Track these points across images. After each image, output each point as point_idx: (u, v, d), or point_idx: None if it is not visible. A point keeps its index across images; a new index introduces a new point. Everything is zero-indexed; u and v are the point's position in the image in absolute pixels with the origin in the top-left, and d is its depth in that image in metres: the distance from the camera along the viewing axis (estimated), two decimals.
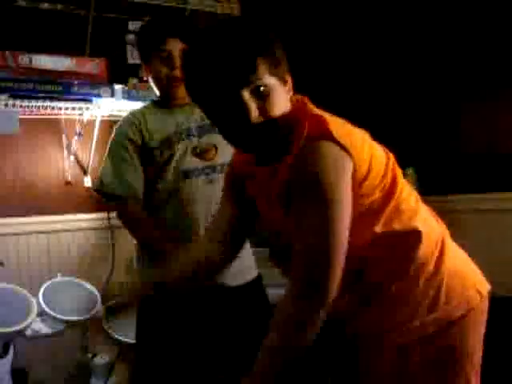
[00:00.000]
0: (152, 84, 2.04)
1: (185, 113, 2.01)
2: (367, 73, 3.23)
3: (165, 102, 2.04)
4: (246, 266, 2.04)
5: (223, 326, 1.96)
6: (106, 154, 2.04)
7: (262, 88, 1.22)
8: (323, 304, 1.20)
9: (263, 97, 1.23)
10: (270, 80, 1.24)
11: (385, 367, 1.32)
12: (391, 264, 1.30)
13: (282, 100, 1.26)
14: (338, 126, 1.24)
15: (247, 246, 2.05)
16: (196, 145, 1.98)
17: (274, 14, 3.22)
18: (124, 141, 1.98)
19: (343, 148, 1.20)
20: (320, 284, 1.20)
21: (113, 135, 2.04)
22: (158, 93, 2.05)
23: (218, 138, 1.89)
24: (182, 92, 1.93)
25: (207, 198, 1.95)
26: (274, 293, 1.89)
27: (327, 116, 1.26)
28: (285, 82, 1.29)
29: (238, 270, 1.94)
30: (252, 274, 2.07)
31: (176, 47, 1.95)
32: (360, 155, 1.24)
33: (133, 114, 2.06)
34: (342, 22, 3.29)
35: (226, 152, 1.95)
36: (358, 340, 1.37)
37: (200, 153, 1.98)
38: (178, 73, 1.93)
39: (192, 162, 1.97)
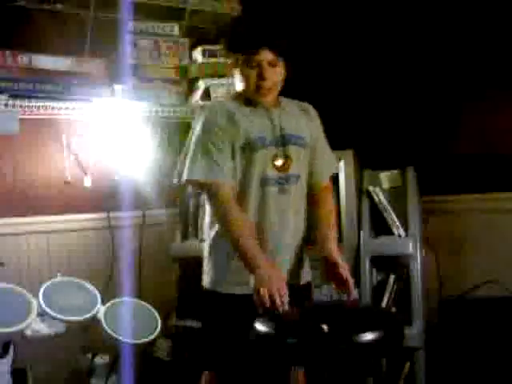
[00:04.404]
0: (238, 81, 2.00)
1: (267, 120, 1.99)
2: (367, 73, 3.23)
3: (250, 101, 2.01)
4: (305, 269, 2.11)
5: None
6: (191, 143, 1.97)
7: None
8: None
9: None
10: None
11: None
12: None
13: None
14: None
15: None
16: (275, 153, 1.97)
17: (275, 14, 3.21)
18: (214, 128, 1.93)
19: None
20: None
21: (200, 123, 1.97)
22: (243, 91, 2.01)
23: (293, 150, 1.99)
24: (266, 98, 1.98)
25: (280, 207, 1.97)
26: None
27: None
28: None
29: (299, 270, 2.06)
30: (306, 278, 2.13)
31: (266, 58, 1.93)
32: None
33: (222, 103, 2.07)
34: (343, 21, 3.29)
35: (299, 164, 2.01)
36: None
37: (277, 162, 1.98)
38: (267, 84, 1.94)
39: (270, 171, 1.96)
